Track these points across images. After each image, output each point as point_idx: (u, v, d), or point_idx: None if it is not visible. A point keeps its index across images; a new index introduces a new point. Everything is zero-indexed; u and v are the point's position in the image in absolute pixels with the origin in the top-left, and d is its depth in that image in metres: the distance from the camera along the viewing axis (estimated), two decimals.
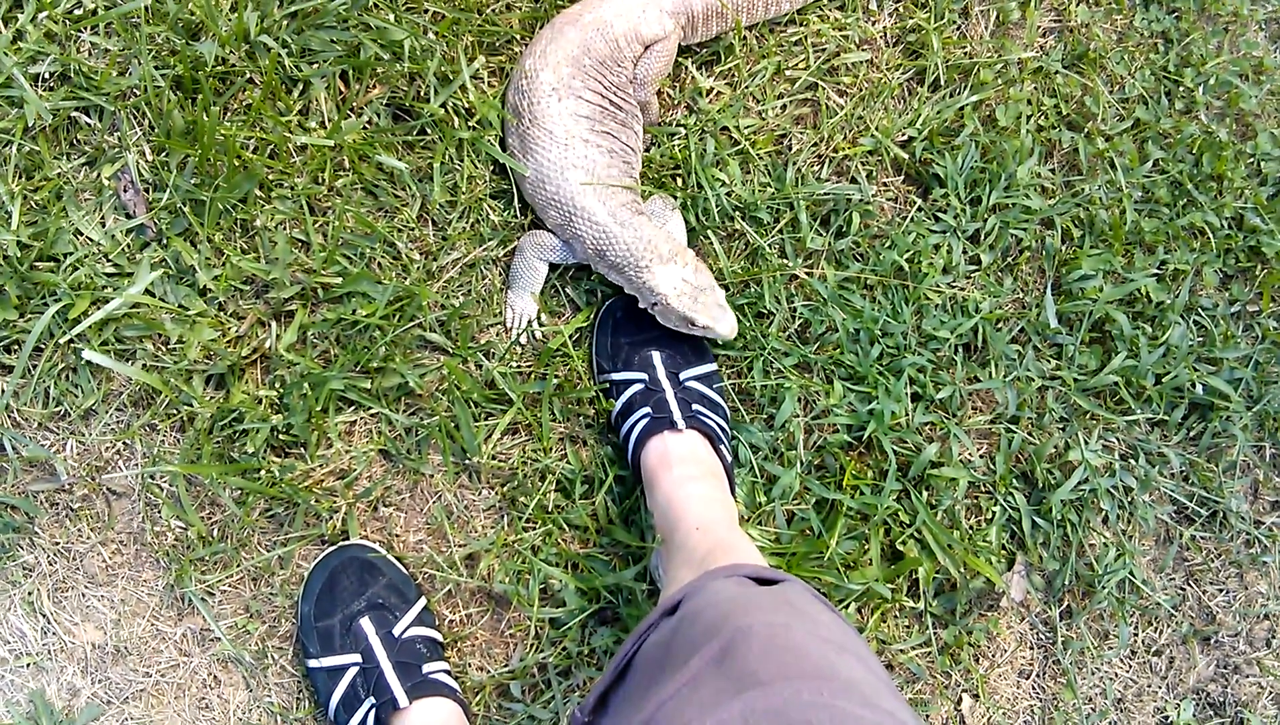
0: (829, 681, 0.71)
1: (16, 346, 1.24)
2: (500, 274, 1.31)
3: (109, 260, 1.27)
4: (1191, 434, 1.38)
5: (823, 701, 0.68)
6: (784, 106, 1.35)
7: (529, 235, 1.26)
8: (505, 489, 1.31)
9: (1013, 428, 1.33)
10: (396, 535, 1.30)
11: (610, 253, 1.21)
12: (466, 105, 1.28)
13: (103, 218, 1.28)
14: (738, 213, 1.31)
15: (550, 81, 1.20)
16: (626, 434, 1.25)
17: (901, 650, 1.34)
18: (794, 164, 1.32)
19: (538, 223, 1.29)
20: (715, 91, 1.34)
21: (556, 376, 1.29)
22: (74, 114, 1.27)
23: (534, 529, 1.30)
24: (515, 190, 1.30)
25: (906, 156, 1.34)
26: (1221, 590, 1.40)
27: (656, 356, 1.27)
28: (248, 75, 1.27)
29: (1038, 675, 1.38)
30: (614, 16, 1.23)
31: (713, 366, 1.29)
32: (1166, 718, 1.40)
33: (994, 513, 1.33)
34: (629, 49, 1.24)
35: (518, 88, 1.23)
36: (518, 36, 1.31)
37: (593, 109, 1.22)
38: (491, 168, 1.30)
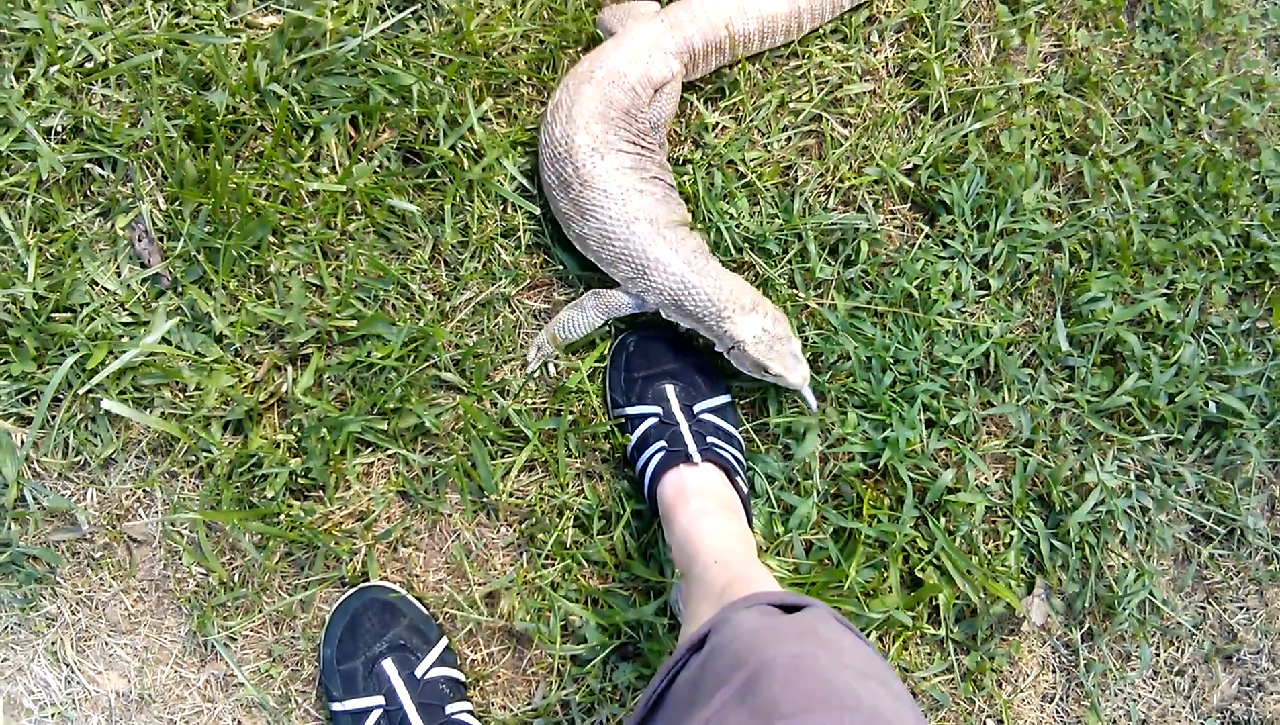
0: (852, 712, 0.71)
1: (35, 397, 1.25)
2: (512, 311, 1.32)
3: (125, 310, 1.28)
4: (1206, 452, 1.39)
5: (833, 718, 0.68)
6: (789, 139, 1.36)
7: (595, 294, 1.26)
8: (523, 526, 1.31)
9: (1028, 451, 1.34)
10: (416, 575, 1.31)
11: (689, 302, 1.20)
12: (475, 147, 1.30)
13: (118, 268, 1.29)
14: (746, 244, 1.32)
15: (587, 143, 1.20)
16: (642, 468, 1.25)
17: (924, 678, 1.34)
18: (801, 195, 1.33)
19: (603, 280, 1.30)
20: (720, 126, 1.35)
21: (571, 412, 1.30)
22: (87, 166, 1.28)
23: (553, 565, 1.30)
24: (548, 237, 1.31)
25: (912, 184, 1.35)
26: (1242, 608, 1.40)
27: (670, 390, 1.27)
28: (259, 123, 1.28)
29: (1061, 699, 1.38)
30: (625, 65, 1.24)
31: (727, 398, 1.30)
32: None
33: (1012, 537, 1.34)
34: (644, 94, 1.25)
35: (555, 157, 1.22)
36: (524, 78, 1.32)
37: (634, 159, 1.22)
38: (501, 207, 1.31)
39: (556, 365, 1.31)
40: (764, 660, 0.78)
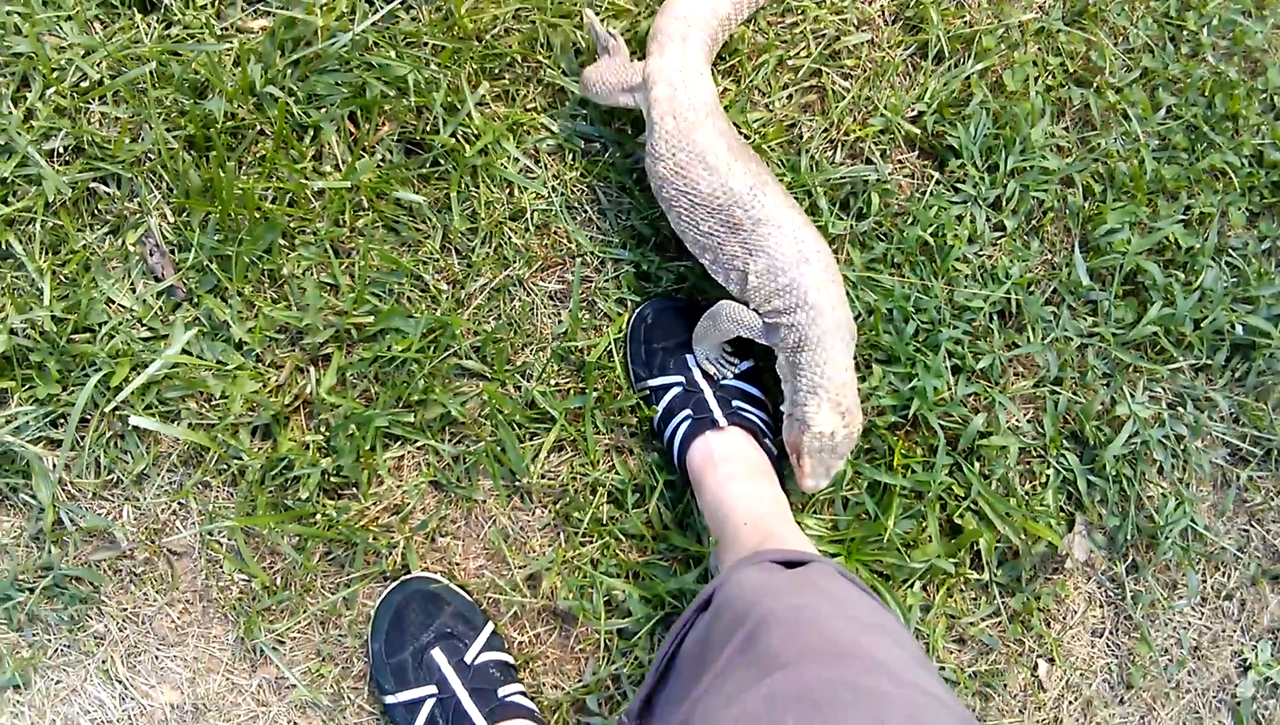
0: (854, 660, 0.71)
1: (62, 419, 1.26)
2: (528, 293, 1.31)
3: (143, 325, 1.28)
4: (1236, 375, 1.38)
5: (846, 679, 0.67)
6: (790, 96, 1.35)
7: (729, 306, 1.19)
8: (558, 506, 1.31)
9: (1057, 389, 1.33)
10: (456, 563, 1.31)
11: (806, 360, 1.13)
12: (475, 132, 1.29)
13: (132, 284, 1.29)
14: None
15: (746, 180, 1.14)
16: (670, 438, 1.25)
17: (971, 623, 1.33)
18: (807, 151, 1.32)
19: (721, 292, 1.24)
20: (721, 89, 1.34)
21: (596, 389, 1.30)
22: (92, 185, 1.29)
23: (591, 543, 1.30)
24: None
25: (918, 131, 1.34)
26: None
27: (691, 358, 1.27)
28: (258, 127, 1.28)
29: (1110, 632, 1.37)
30: (699, 87, 1.19)
31: (750, 362, 1.29)
32: (1244, 660, 1.39)
33: (1048, 476, 1.33)
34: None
35: (715, 207, 1.15)
36: (518, 59, 1.31)
37: (781, 188, 1.18)
38: (507, 190, 1.31)
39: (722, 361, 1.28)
40: (764, 614, 0.77)
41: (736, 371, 1.27)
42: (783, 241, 1.13)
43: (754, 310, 1.17)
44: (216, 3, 1.31)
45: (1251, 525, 1.38)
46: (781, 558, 0.92)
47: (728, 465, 1.18)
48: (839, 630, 0.74)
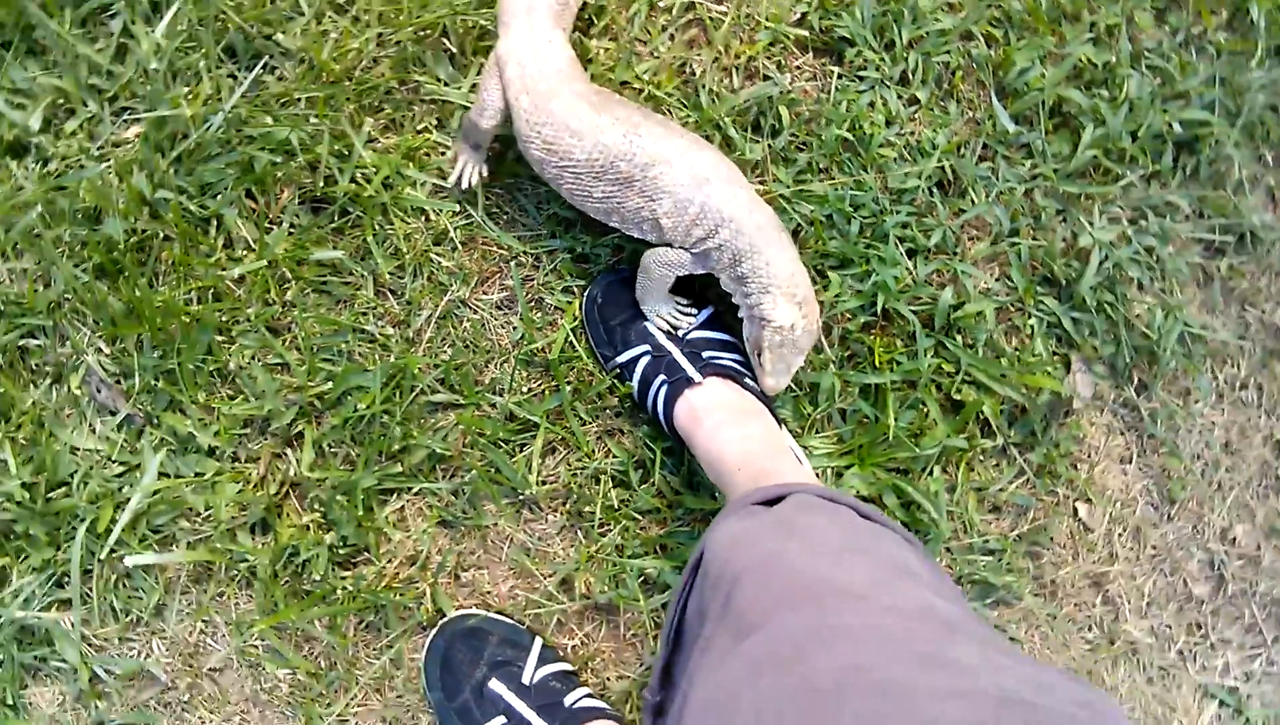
0: (821, 600, 0.69)
1: (66, 579, 1.25)
2: (474, 311, 1.30)
3: (113, 461, 1.27)
4: (1188, 172, 1.35)
5: (812, 624, 0.66)
6: (671, 37, 1.32)
7: (654, 254, 1.17)
8: (567, 507, 1.30)
9: (1016, 240, 1.31)
10: (488, 592, 1.30)
11: (745, 264, 1.12)
12: (373, 170, 1.26)
13: (90, 425, 1.28)
14: None
15: (618, 131, 1.12)
16: (654, 406, 1.23)
17: (1000, 490, 1.33)
18: (704, 87, 1.29)
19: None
20: (602, 50, 1.31)
21: (569, 383, 1.28)
22: (20, 343, 1.27)
23: (610, 530, 1.29)
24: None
25: (806, 33, 1.31)
26: (1278, 303, 1.37)
27: (649, 324, 1.25)
28: (161, 234, 1.25)
29: (1138, 455, 1.36)
30: (549, 56, 1.17)
31: (710, 309, 1.27)
32: (1278, 440, 1.38)
33: (1031, 326, 1.31)
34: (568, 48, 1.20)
35: (599, 169, 1.13)
36: (395, 85, 1.28)
37: (657, 122, 1.16)
38: (422, 217, 1.28)
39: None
40: (739, 572, 0.76)
41: (697, 320, 1.26)
42: (677, 174, 1.12)
43: (680, 248, 1.16)
44: (85, 126, 1.29)
45: (1245, 310, 1.37)
46: (762, 497, 0.90)
47: (712, 417, 1.16)
48: (807, 570, 0.72)
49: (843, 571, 0.72)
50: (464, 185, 1.26)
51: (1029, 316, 1.31)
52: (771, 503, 0.89)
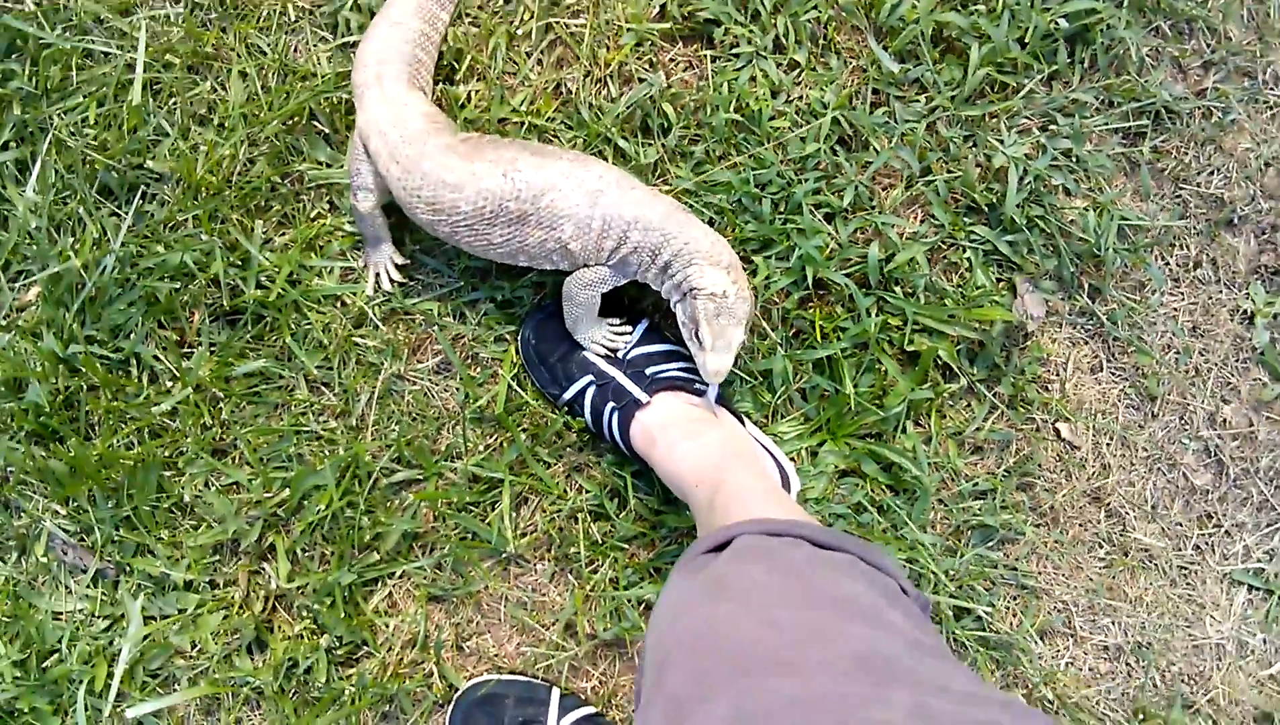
0: (748, 675, 0.66)
1: None
2: (413, 383, 1.28)
3: (96, 617, 1.26)
4: (1087, 65, 1.31)
5: (737, 710, 0.64)
6: (539, 62, 1.29)
7: (575, 279, 1.16)
8: (552, 552, 1.29)
9: (930, 177, 1.27)
10: (494, 655, 1.29)
11: (665, 253, 1.11)
12: (275, 269, 1.25)
13: (66, 587, 1.27)
14: None
15: (495, 172, 1.10)
16: (611, 435, 1.22)
17: (977, 430, 1.30)
18: (583, 103, 1.27)
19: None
20: (472, 94, 1.28)
21: (524, 430, 1.26)
22: None
23: (600, 566, 1.28)
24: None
25: (669, 24, 1.28)
26: (1212, 172, 1.33)
27: (588, 353, 1.23)
28: (84, 386, 1.24)
29: (1107, 361, 1.33)
30: (407, 118, 1.15)
31: (644, 323, 1.25)
32: (1244, 311, 1.34)
33: (968, 259, 1.28)
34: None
35: (488, 216, 1.12)
36: (275, 180, 1.26)
37: (532, 151, 1.14)
38: (337, 303, 1.27)
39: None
40: (669, 649, 0.74)
41: (634, 337, 1.24)
42: (569, 195, 1.10)
43: (597, 266, 1.14)
44: None
45: (1180, 188, 1.33)
46: (710, 545, 0.88)
47: (666, 434, 1.14)
48: (736, 638, 0.70)
49: (774, 632, 0.70)
50: (385, 286, 1.25)
51: (963, 250, 1.28)
52: (721, 547, 0.87)
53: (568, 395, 1.24)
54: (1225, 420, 1.34)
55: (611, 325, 1.24)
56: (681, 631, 0.74)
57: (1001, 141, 1.27)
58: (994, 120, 1.28)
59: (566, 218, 1.11)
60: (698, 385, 1.20)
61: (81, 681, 1.23)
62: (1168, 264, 1.34)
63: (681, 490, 1.12)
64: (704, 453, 1.11)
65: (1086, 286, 1.31)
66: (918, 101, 1.28)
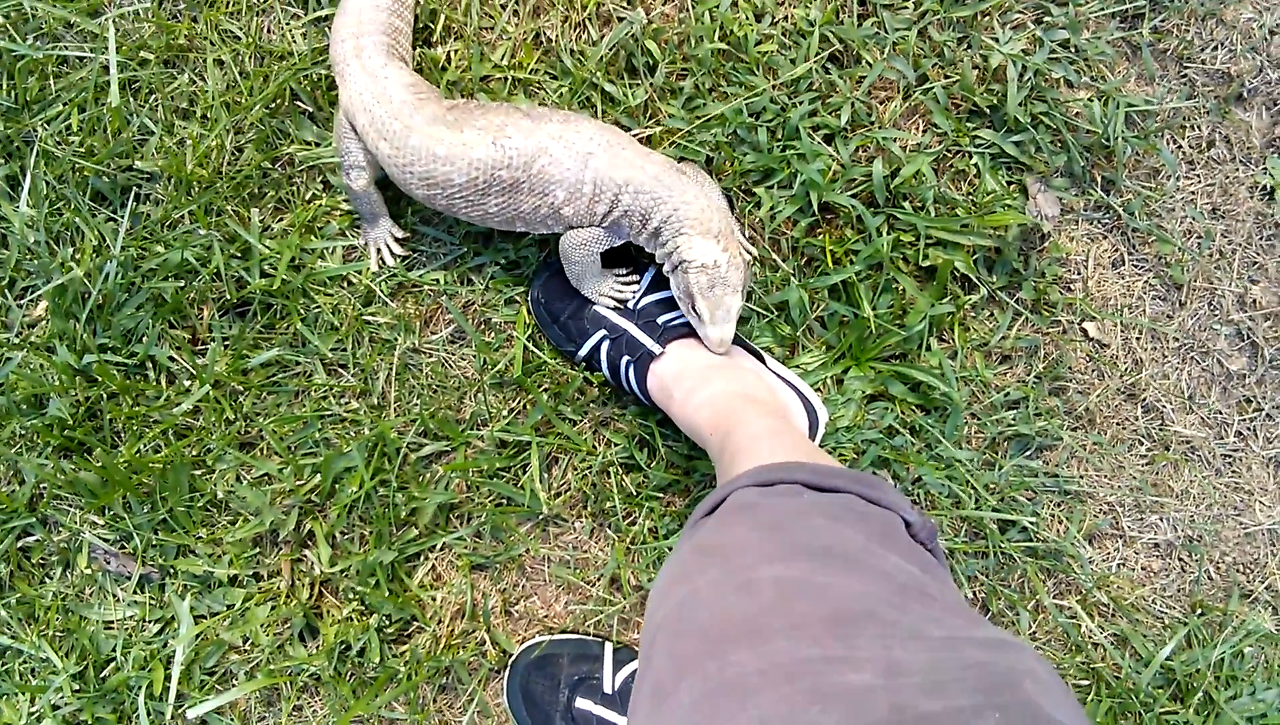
0: (722, 649, 0.65)
1: None
2: (429, 355, 1.27)
3: (147, 623, 1.27)
4: None
5: (712, 687, 0.63)
6: (515, 13, 1.26)
7: (569, 239, 1.14)
8: (589, 509, 1.28)
9: (927, 85, 1.24)
10: (544, 617, 1.29)
11: (656, 218, 1.10)
12: (277, 256, 1.23)
13: (113, 595, 1.28)
14: None
15: (485, 141, 1.07)
16: (629, 387, 1.20)
17: (1003, 339, 1.28)
18: (564, 50, 1.24)
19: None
20: (451, 53, 1.26)
21: (545, 390, 1.25)
22: (19, 545, 1.27)
23: (637, 518, 1.27)
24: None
25: None
26: (1215, 47, 1.29)
27: (598, 307, 1.21)
28: (104, 394, 1.24)
29: (1128, 253, 1.30)
30: (391, 93, 1.12)
31: (651, 271, 1.23)
32: (1263, 186, 1.31)
33: (975, 165, 1.25)
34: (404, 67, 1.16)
35: (481, 184, 1.10)
36: (266, 165, 1.25)
37: (523, 114, 1.11)
38: (344, 284, 1.26)
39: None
40: (656, 628, 0.73)
41: (642, 285, 1.22)
42: (559, 160, 1.08)
43: (591, 227, 1.13)
44: None
45: (1184, 68, 1.29)
46: (707, 508, 0.87)
47: (680, 385, 1.13)
48: (714, 611, 0.69)
49: (748, 597, 0.68)
50: (388, 262, 1.24)
51: (969, 157, 1.25)
52: (713, 510, 0.86)
53: (583, 352, 1.22)
54: (1255, 301, 1.31)
55: (618, 275, 1.22)
56: (666, 613, 0.72)
57: (996, 40, 1.23)
58: (986, 18, 1.24)
59: (558, 183, 1.09)
60: None
61: (140, 687, 1.24)
62: (1180, 147, 1.30)
63: (699, 439, 1.11)
64: (717, 400, 1.09)
65: (1099, 180, 1.28)
66: (906, 8, 1.24)
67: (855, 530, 0.77)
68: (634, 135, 1.23)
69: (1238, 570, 1.34)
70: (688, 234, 1.09)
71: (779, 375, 1.21)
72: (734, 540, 0.76)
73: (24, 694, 1.26)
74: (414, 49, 1.23)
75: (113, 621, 1.28)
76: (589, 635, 1.29)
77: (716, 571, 0.72)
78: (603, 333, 1.20)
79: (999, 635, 0.67)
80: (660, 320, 1.18)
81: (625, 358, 1.18)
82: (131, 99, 1.25)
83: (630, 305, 1.21)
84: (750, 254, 1.23)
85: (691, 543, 0.80)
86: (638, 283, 1.22)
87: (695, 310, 1.11)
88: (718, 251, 1.08)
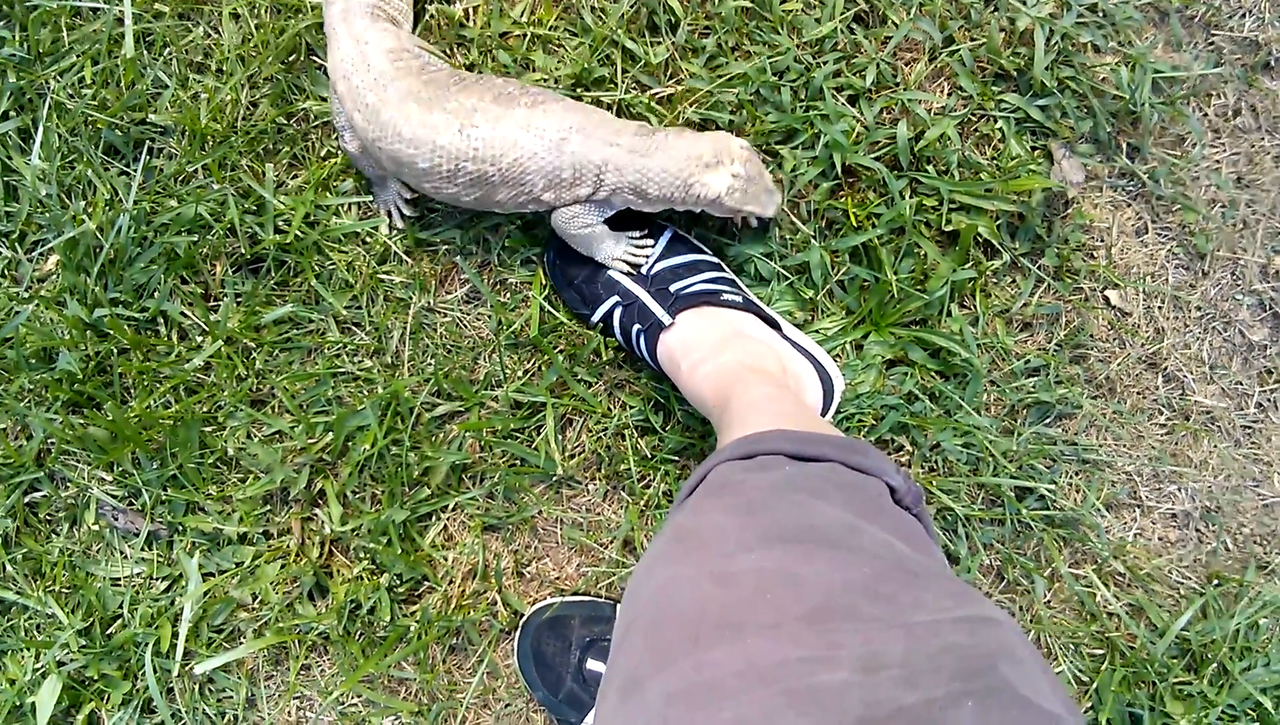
0: (698, 643, 0.64)
1: (153, 703, 1.25)
2: (444, 315, 1.25)
3: (155, 580, 1.26)
4: None
5: (684, 685, 0.62)
6: None
7: (561, 216, 1.12)
8: (603, 471, 1.27)
9: (954, 47, 1.22)
10: (555, 578, 1.28)
11: (652, 187, 1.09)
12: (291, 212, 1.22)
13: (121, 552, 1.27)
14: (577, 89, 1.22)
15: (452, 128, 1.05)
16: (641, 353, 1.19)
17: (1025, 306, 1.26)
18: (584, 6, 1.22)
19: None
20: (471, 9, 1.24)
21: (560, 352, 1.24)
22: (25, 501, 1.26)
23: (651, 480, 1.26)
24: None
25: None
26: (1244, 15, 1.27)
27: (612, 272, 1.19)
28: (115, 350, 1.23)
29: (1152, 221, 1.29)
30: (371, 62, 1.09)
31: (668, 234, 1.22)
32: None
33: (1000, 130, 1.23)
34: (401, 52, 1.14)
35: (449, 170, 1.08)
36: (280, 120, 1.23)
37: (494, 96, 1.08)
38: (359, 241, 1.24)
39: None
40: (632, 616, 0.72)
41: (657, 248, 1.20)
42: (531, 149, 1.06)
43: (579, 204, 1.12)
44: (5, 272, 1.26)
45: (1212, 35, 1.27)
46: (691, 485, 0.86)
47: (688, 356, 1.11)
48: (691, 600, 0.67)
49: (725, 589, 0.67)
50: (398, 224, 1.23)
51: (994, 121, 1.24)
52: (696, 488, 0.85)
53: (596, 316, 1.21)
54: (1278, 271, 1.30)
55: (631, 238, 1.20)
56: (643, 601, 0.71)
57: (1024, 2, 1.22)
58: None
59: (533, 173, 1.07)
60: (725, 296, 1.17)
61: (147, 644, 1.23)
62: (1206, 115, 1.28)
63: (704, 410, 1.09)
64: (721, 373, 1.07)
65: (1125, 146, 1.27)
66: None
67: (836, 506, 0.76)
68: (654, 95, 1.21)
69: (1255, 542, 1.33)
70: (692, 180, 1.08)
71: (795, 343, 1.20)
72: (712, 524, 0.74)
73: (29, 649, 1.25)
74: (429, 5, 1.21)
75: (120, 578, 1.27)
76: (601, 598, 1.28)
77: (694, 559, 0.71)
78: (615, 299, 1.19)
79: (978, 611, 0.66)
80: (673, 288, 1.17)
81: (636, 326, 1.16)
82: (145, 51, 1.23)
83: (644, 271, 1.19)
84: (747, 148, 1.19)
85: (671, 527, 0.78)
86: (651, 245, 1.20)
87: (746, 215, 1.13)
88: (730, 169, 1.08)
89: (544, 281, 1.24)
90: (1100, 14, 1.23)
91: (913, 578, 0.69)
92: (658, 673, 0.63)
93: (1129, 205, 1.28)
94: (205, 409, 1.24)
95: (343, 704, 1.27)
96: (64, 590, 1.26)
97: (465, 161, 1.06)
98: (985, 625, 0.64)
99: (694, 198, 1.09)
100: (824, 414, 1.18)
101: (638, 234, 1.20)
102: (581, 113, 1.09)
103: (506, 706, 1.28)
